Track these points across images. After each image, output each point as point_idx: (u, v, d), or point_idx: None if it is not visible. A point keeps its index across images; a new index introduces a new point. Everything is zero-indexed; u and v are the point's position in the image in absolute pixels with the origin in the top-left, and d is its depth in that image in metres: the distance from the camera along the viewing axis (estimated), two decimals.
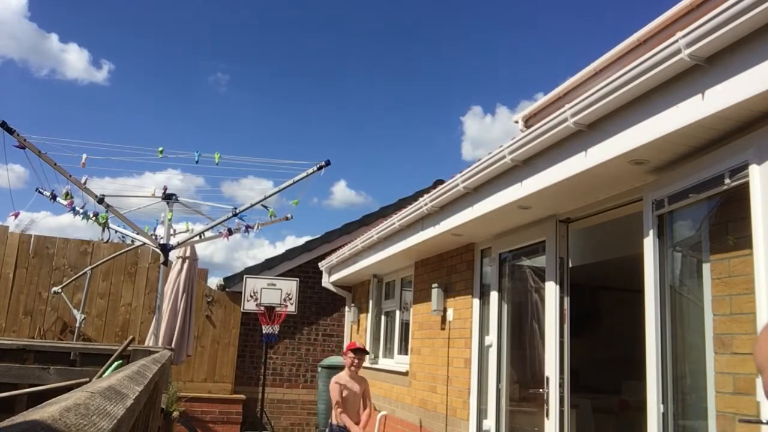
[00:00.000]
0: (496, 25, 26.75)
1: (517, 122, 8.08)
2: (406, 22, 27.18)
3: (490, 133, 32.37)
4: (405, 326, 8.31)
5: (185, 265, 7.76)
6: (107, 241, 8.48)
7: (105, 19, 27.14)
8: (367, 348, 9.55)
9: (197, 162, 6.63)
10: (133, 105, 28.84)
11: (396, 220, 6.80)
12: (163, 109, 30.24)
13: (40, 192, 6.57)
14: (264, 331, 9.00)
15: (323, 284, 10.61)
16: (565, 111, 3.61)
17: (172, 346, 7.26)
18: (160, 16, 27.35)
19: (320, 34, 28.67)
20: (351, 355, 5.89)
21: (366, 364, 9.52)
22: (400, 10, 27.06)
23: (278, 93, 30.22)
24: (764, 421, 2.65)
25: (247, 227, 7.14)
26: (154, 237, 7.15)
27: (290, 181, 6.69)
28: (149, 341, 7.33)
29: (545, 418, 4.64)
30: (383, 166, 32.99)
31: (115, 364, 3.68)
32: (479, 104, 36.27)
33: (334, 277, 10.25)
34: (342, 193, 32.36)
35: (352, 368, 5.85)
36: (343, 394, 5.70)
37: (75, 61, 30.55)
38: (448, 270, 6.76)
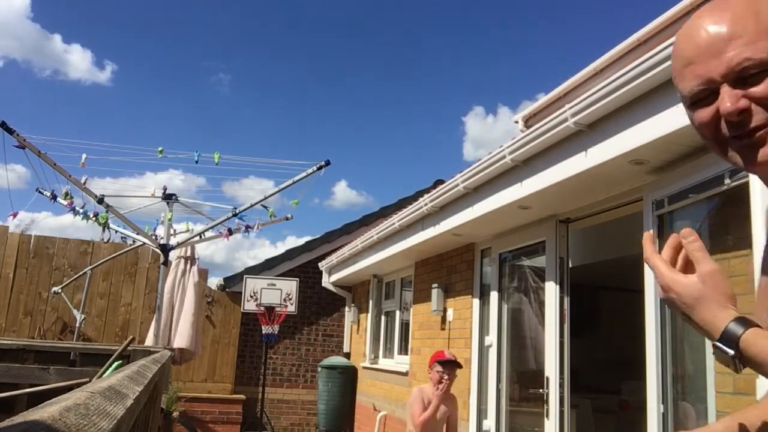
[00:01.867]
0: (497, 25, 26.76)
1: (517, 122, 8.08)
2: (407, 22, 27.20)
3: (492, 134, 32.44)
4: (405, 326, 8.31)
5: (186, 265, 7.75)
6: (107, 241, 8.47)
7: (108, 20, 27.18)
8: (368, 348, 9.54)
9: (197, 162, 6.63)
10: (136, 105, 28.91)
11: (396, 220, 6.80)
12: (166, 109, 30.28)
13: (40, 192, 6.57)
14: (264, 331, 9.00)
15: (323, 284, 10.60)
16: (565, 111, 3.61)
17: (174, 346, 7.25)
18: (163, 17, 27.38)
19: (321, 35, 28.71)
20: (438, 368, 4.30)
21: (366, 364, 9.51)
22: (400, 10, 27.07)
23: (279, 93, 30.27)
24: None
25: (247, 227, 7.13)
26: (154, 237, 7.14)
27: (290, 181, 6.68)
28: (149, 341, 7.33)
29: (545, 418, 4.64)
30: (384, 166, 33.02)
31: (115, 364, 3.68)
32: (481, 104, 36.34)
33: (334, 277, 10.24)
34: (343, 193, 32.40)
35: (440, 386, 4.27)
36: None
37: (78, 61, 30.63)
38: (448, 270, 6.76)
